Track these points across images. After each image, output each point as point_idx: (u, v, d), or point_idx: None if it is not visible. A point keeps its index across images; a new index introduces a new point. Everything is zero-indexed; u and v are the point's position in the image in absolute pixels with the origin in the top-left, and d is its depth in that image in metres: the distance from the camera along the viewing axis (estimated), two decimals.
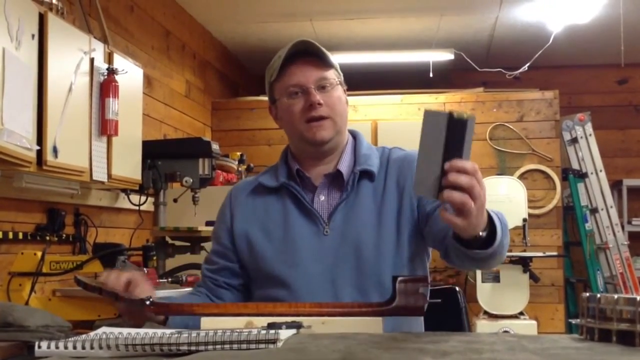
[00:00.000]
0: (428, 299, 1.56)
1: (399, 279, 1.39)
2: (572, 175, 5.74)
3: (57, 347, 1.12)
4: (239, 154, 4.40)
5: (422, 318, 1.70)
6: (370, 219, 1.69)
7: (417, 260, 1.73)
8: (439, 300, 1.67)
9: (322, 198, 1.73)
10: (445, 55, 5.60)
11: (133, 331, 1.19)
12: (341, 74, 1.79)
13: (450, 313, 1.78)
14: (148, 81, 4.10)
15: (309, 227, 1.70)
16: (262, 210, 1.76)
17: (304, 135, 1.72)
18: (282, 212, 1.73)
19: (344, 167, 1.74)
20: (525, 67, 5.46)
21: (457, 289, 2.13)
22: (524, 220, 5.03)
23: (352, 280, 1.65)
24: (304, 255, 1.68)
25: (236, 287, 1.78)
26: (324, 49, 1.73)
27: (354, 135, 1.83)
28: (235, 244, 1.76)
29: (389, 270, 1.63)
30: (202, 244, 3.27)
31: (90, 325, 2.35)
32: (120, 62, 3.06)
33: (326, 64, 1.73)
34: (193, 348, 1.09)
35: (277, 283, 1.68)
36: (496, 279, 4.93)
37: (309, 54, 1.72)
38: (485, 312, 4.99)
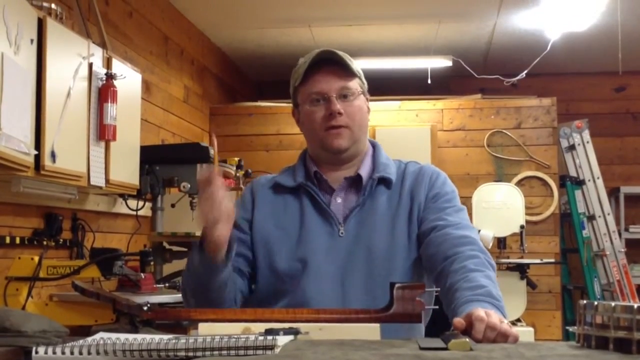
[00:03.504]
0: (433, 304, 1.58)
1: (396, 285, 1.39)
2: (569, 182, 5.75)
3: (54, 353, 1.12)
4: (237, 159, 4.39)
5: (422, 325, 1.71)
6: (384, 224, 1.72)
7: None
8: (437, 307, 1.67)
9: (339, 200, 1.77)
10: (443, 62, 5.62)
11: (130, 337, 1.19)
12: (365, 83, 1.82)
13: (448, 319, 1.78)
14: (146, 86, 4.10)
15: (324, 227, 1.74)
16: (281, 208, 1.79)
17: (323, 142, 1.76)
18: (298, 211, 1.77)
19: (364, 172, 1.78)
20: (523, 74, 5.47)
21: None
22: (521, 227, 5.03)
23: (361, 282, 1.67)
24: (316, 254, 1.70)
25: (246, 274, 1.80)
26: (348, 59, 1.77)
27: (374, 145, 1.87)
28: (253, 236, 1.79)
29: (398, 275, 1.66)
30: None
31: (87, 331, 2.35)
32: (119, 67, 3.06)
33: (350, 74, 1.76)
34: (190, 354, 1.09)
35: (287, 279, 1.71)
36: None
37: (333, 62, 1.75)
38: None
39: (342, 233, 1.72)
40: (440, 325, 1.56)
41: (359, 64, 1.83)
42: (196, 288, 1.66)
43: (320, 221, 1.74)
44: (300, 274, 1.69)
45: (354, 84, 1.76)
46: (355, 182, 1.78)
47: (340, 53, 1.76)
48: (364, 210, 1.74)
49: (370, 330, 1.34)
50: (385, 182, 1.77)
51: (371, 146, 1.86)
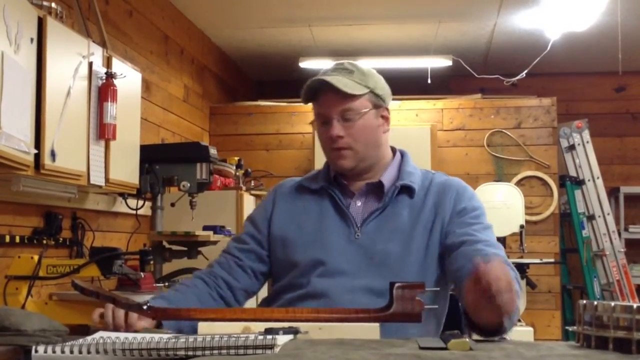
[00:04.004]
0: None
1: (396, 284, 1.39)
2: (569, 182, 5.76)
3: (54, 352, 1.12)
4: (236, 158, 4.40)
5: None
6: (402, 232, 1.74)
7: (441, 282, 1.76)
8: (436, 307, 1.67)
9: (359, 204, 1.80)
10: (443, 62, 5.61)
11: (130, 336, 1.19)
12: (380, 94, 1.79)
13: (448, 319, 1.78)
14: (146, 85, 4.10)
15: (342, 228, 1.76)
16: (301, 208, 1.83)
17: (330, 160, 1.82)
18: (317, 211, 1.81)
19: (387, 179, 1.80)
20: (523, 74, 5.46)
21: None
22: (521, 226, 5.03)
23: (372, 285, 1.68)
24: (331, 253, 1.73)
25: (256, 274, 1.84)
26: (350, 82, 1.73)
27: (402, 154, 1.89)
28: (270, 233, 1.83)
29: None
30: (199, 249, 3.27)
31: (87, 330, 2.35)
32: (119, 66, 3.06)
33: (352, 96, 1.74)
34: (190, 353, 1.09)
35: (302, 273, 1.73)
36: None
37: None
38: None
39: (358, 235, 1.75)
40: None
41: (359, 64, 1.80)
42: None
43: (338, 222, 1.77)
44: (314, 269, 1.72)
45: (358, 104, 1.75)
46: (376, 189, 1.80)
47: (342, 74, 1.74)
48: (383, 216, 1.76)
49: (370, 330, 1.34)
50: (408, 190, 1.78)
51: (399, 155, 1.88)
